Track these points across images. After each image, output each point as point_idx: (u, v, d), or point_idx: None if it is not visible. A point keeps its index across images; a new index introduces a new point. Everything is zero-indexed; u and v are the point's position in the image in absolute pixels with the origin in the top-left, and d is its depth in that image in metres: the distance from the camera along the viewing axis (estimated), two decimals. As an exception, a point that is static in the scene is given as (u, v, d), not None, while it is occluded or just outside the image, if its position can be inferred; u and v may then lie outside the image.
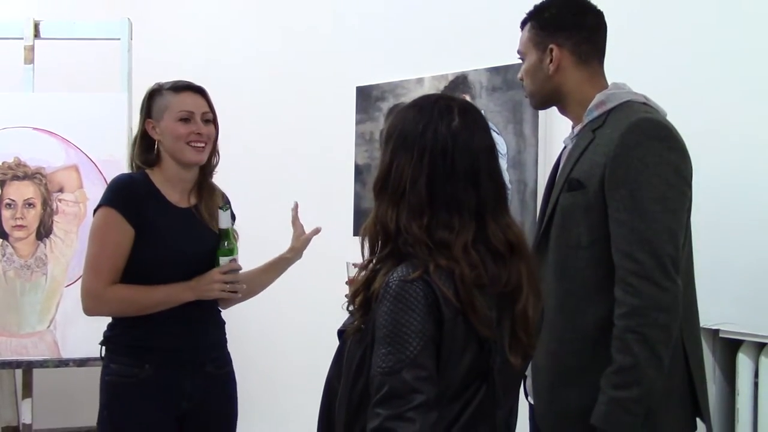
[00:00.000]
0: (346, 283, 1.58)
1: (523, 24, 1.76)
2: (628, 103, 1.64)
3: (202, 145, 2.08)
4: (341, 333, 1.40)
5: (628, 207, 1.52)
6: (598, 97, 1.67)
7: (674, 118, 1.64)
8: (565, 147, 1.76)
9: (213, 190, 2.17)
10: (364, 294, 1.33)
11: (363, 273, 1.36)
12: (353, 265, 1.76)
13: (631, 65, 2.02)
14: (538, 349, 1.67)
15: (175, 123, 2.06)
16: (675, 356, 1.55)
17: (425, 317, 1.25)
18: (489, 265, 1.31)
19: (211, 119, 2.12)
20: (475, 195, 1.32)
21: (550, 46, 1.70)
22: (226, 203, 2.15)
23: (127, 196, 2.03)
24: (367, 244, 1.37)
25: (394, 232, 1.31)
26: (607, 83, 1.71)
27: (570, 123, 1.77)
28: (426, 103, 1.37)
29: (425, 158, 1.31)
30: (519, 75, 1.79)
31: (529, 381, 1.74)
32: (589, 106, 1.67)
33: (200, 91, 2.13)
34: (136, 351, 2.06)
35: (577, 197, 1.61)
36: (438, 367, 1.27)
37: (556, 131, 2.34)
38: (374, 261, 1.35)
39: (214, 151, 2.15)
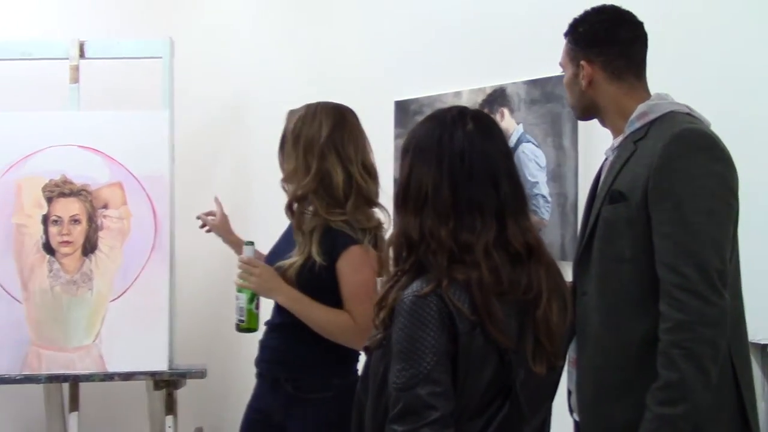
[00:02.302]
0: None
1: (566, 35, 1.75)
2: (670, 114, 1.61)
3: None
4: (367, 348, 1.42)
5: (673, 219, 1.50)
6: (640, 108, 1.64)
7: (718, 128, 1.61)
8: (606, 159, 1.75)
9: (320, 217, 2.04)
10: (385, 308, 1.35)
11: (385, 286, 1.38)
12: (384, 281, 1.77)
13: (673, 75, 1.99)
14: (582, 365, 1.66)
15: None
16: (723, 372, 1.51)
17: (439, 332, 1.26)
18: (507, 270, 1.32)
19: (281, 146, 2.14)
20: (495, 196, 1.35)
21: (581, 62, 1.69)
22: (251, 242, 2.12)
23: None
24: (392, 257, 1.39)
25: (417, 240, 1.33)
26: (649, 94, 1.69)
27: (611, 135, 1.76)
28: (439, 114, 1.42)
29: (444, 163, 1.34)
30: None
31: (573, 397, 1.72)
32: (631, 117, 1.65)
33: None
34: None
35: (620, 209, 1.59)
36: (456, 383, 1.28)
37: (596, 143, 2.32)
38: (397, 272, 1.37)
39: (292, 179, 2.09)
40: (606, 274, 1.61)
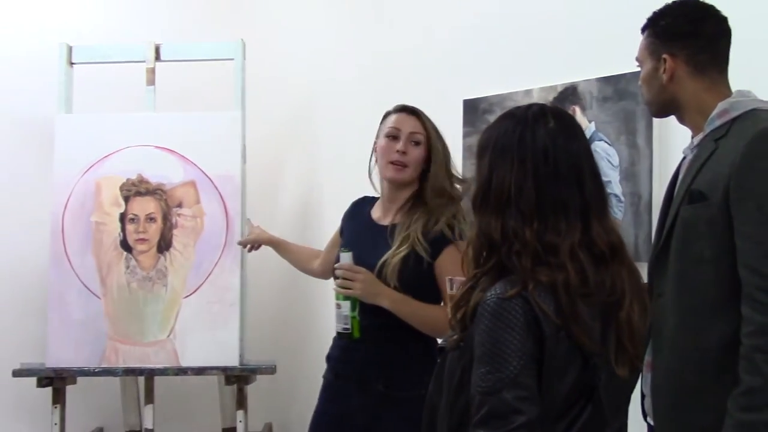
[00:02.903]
0: (450, 299, 1.58)
1: (643, 30, 1.72)
2: (753, 112, 1.57)
3: (401, 165, 2.14)
4: (441, 349, 1.40)
5: (755, 220, 1.46)
6: (721, 106, 1.60)
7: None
8: (684, 157, 1.71)
9: (424, 216, 2.09)
10: (464, 308, 1.33)
11: (464, 287, 1.36)
12: (451, 280, 1.76)
13: (754, 72, 1.93)
14: (658, 368, 1.62)
15: (384, 139, 2.18)
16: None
17: (525, 335, 1.23)
18: (592, 271, 1.29)
19: (420, 141, 2.16)
20: (579, 196, 1.31)
21: (664, 55, 1.65)
22: (346, 246, 2.16)
23: (344, 216, 2.37)
24: (472, 258, 1.36)
25: (499, 241, 1.31)
26: (731, 91, 1.64)
27: (688, 133, 1.71)
28: (518, 111, 1.38)
29: (527, 163, 1.31)
30: (639, 82, 1.75)
31: (648, 401, 1.69)
32: (711, 115, 1.61)
33: (414, 113, 2.19)
34: (327, 358, 2.27)
35: (699, 209, 1.55)
36: (540, 386, 1.25)
37: (671, 142, 2.26)
38: (477, 274, 1.34)
39: (432, 175, 2.12)
40: (684, 275, 1.57)
